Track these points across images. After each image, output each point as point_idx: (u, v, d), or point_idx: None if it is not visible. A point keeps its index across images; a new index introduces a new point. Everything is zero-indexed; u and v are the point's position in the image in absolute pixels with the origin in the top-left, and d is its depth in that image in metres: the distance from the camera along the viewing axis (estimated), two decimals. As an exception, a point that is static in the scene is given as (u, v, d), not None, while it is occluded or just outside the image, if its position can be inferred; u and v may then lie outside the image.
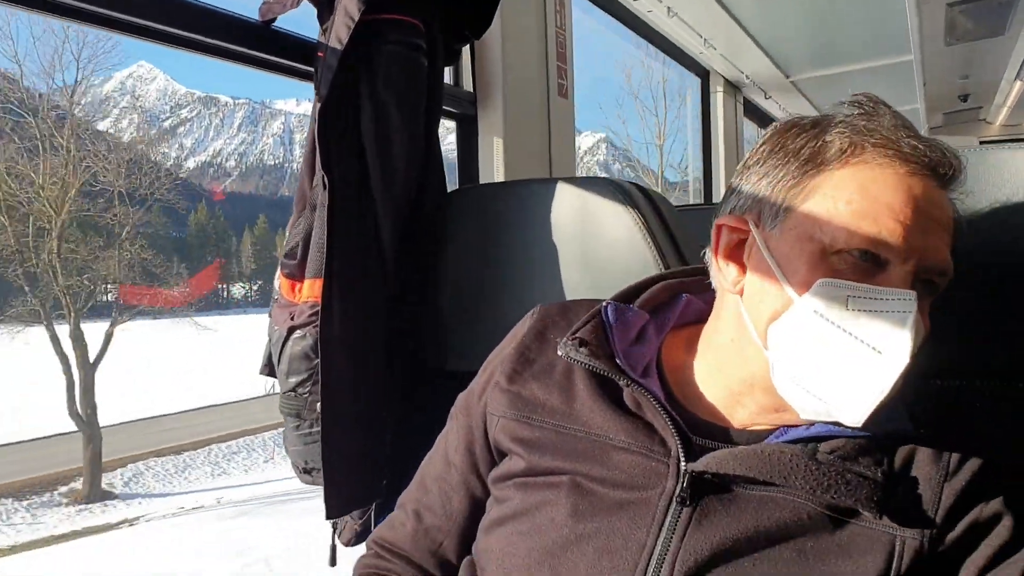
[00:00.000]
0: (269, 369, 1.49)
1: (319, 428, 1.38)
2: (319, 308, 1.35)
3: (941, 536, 0.79)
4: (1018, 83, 4.82)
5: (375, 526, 1.45)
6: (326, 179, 1.34)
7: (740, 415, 0.88)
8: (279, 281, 1.48)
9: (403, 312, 1.45)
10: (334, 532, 1.43)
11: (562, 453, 0.90)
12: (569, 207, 1.37)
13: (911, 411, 0.84)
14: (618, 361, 0.90)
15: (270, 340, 1.48)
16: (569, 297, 1.34)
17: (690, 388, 0.92)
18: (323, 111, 1.34)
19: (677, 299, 1.01)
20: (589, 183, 1.36)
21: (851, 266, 0.78)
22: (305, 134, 1.47)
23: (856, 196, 0.78)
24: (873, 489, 0.79)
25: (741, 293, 0.88)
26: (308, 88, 1.48)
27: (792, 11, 3.07)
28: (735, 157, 4.14)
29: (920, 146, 0.79)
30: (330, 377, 1.33)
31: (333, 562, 1.45)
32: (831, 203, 0.80)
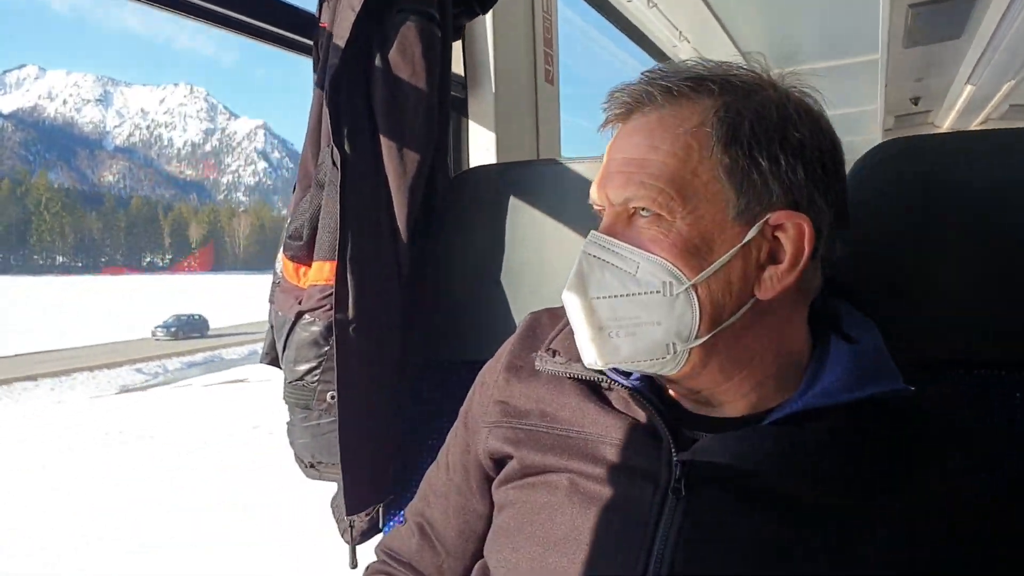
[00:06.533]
0: (272, 357, 1.41)
1: (329, 419, 1.31)
2: (330, 292, 1.27)
3: (955, 513, 0.75)
4: (969, 87, 4.97)
5: (383, 523, 1.39)
6: (338, 155, 1.26)
7: (724, 399, 0.86)
8: (281, 264, 1.39)
9: (416, 298, 1.37)
10: (352, 529, 1.35)
11: (556, 452, 0.89)
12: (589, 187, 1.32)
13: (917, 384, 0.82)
14: None
15: (272, 327, 1.39)
16: None
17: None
18: (334, 82, 1.27)
19: None
20: None
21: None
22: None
23: None
24: (873, 466, 0.78)
25: None
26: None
27: (768, 6, 3.08)
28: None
29: (616, 99, 0.86)
30: (345, 364, 1.25)
31: (354, 564, 1.38)
32: None
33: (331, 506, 1.44)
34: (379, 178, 1.32)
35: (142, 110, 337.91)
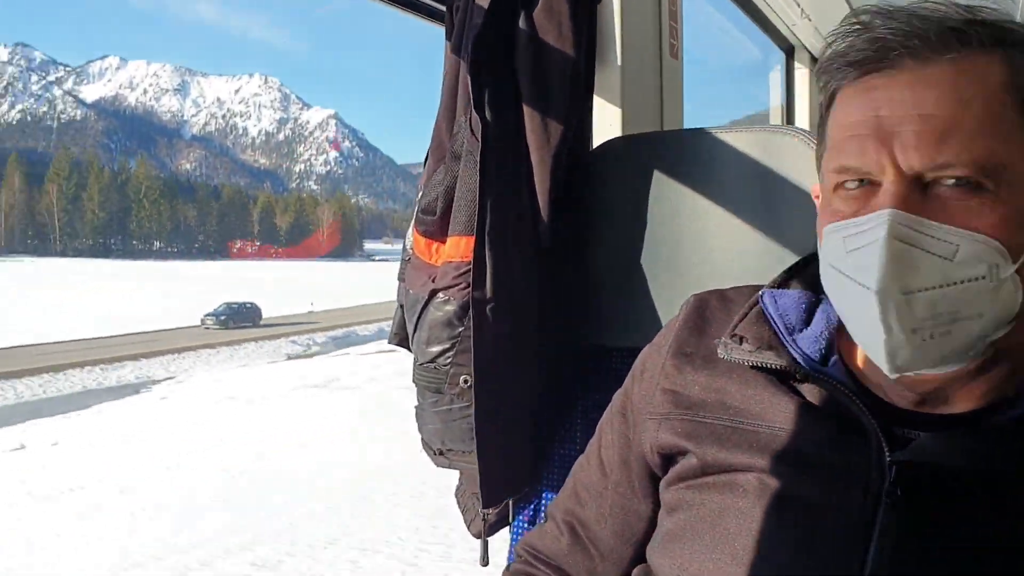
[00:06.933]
0: (401, 337, 1.33)
1: (461, 404, 1.23)
2: (466, 269, 1.19)
3: None
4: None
5: (513, 516, 1.30)
6: (478, 124, 1.17)
7: (959, 395, 0.74)
8: (412, 239, 1.32)
9: (556, 278, 1.28)
10: (484, 522, 1.27)
11: (742, 448, 0.78)
12: (746, 160, 1.21)
13: None
14: (791, 351, 0.78)
15: (403, 305, 1.32)
16: (745, 267, 1.19)
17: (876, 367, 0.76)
18: (477, 45, 1.18)
19: None
20: (770, 132, 1.20)
21: (844, 200, 0.72)
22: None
23: (837, 129, 0.73)
24: None
25: None
26: None
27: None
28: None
29: (862, 42, 0.70)
30: (482, 345, 1.17)
31: (485, 562, 1.30)
32: (828, 147, 0.75)
33: (456, 496, 1.37)
34: (520, 149, 1.23)
35: (218, 99, 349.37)
